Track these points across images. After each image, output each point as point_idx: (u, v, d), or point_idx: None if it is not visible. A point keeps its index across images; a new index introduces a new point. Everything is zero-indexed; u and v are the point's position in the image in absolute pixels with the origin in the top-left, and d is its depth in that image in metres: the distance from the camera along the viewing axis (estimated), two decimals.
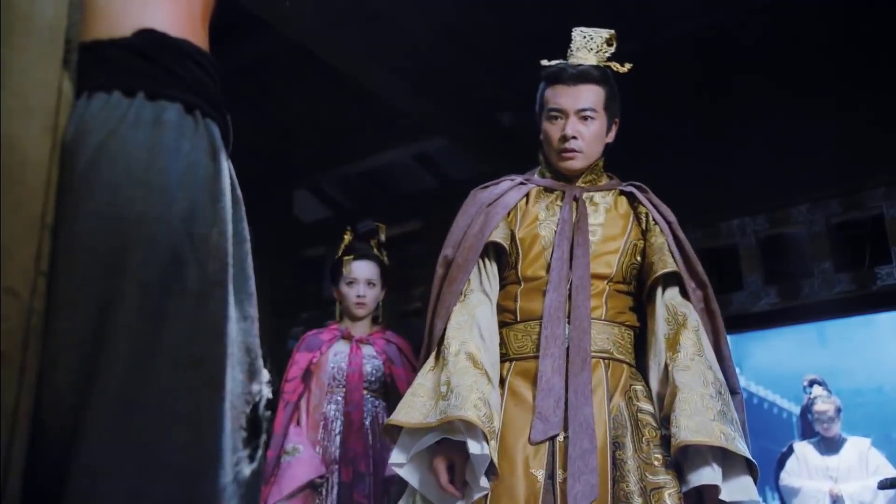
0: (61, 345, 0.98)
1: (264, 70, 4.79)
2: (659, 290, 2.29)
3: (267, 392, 1.16)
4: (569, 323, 2.14)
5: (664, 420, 2.04)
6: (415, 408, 2.01)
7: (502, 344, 2.23)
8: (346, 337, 2.99)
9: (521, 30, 4.48)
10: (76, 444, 0.95)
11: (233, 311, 1.08)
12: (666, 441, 2.00)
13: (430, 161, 5.60)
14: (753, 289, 4.00)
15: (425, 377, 2.12)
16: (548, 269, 2.24)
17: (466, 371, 2.01)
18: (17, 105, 0.91)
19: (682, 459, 2.00)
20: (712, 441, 1.91)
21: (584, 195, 2.42)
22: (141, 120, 1.02)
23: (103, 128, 0.99)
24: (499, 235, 2.36)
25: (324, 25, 3.75)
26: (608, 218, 2.39)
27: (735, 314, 4.15)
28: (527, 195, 2.45)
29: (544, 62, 2.48)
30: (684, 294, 2.28)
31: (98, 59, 1.05)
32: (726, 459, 1.97)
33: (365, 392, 2.86)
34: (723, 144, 4.29)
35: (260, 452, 1.12)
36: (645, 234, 2.38)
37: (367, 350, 2.96)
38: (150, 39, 1.10)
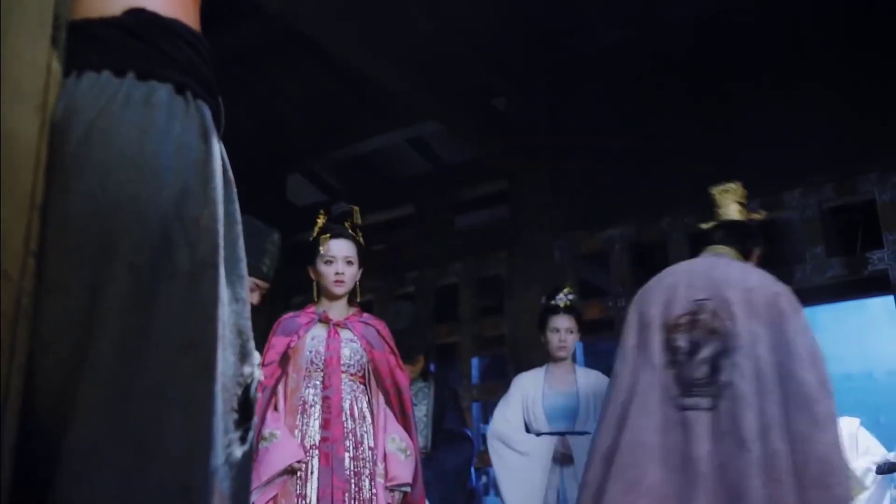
0: (51, 327, 0.98)
1: (258, 54, 4.76)
2: None
3: (259, 374, 1.16)
4: None
5: None
6: None
7: None
8: (324, 320, 2.95)
9: (516, 14, 4.47)
10: (67, 427, 0.95)
11: (224, 294, 1.08)
12: None
13: (423, 145, 5.59)
14: None
15: None
16: None
17: None
18: (4, 83, 0.90)
19: None
20: None
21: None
22: (131, 100, 1.01)
23: (93, 107, 0.98)
24: None
25: (318, 10, 3.73)
26: None
27: None
28: None
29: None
30: None
31: (87, 38, 1.04)
32: None
33: (343, 376, 2.84)
34: (716, 130, 4.28)
35: (251, 434, 1.12)
36: None
37: (346, 334, 2.93)
38: (140, 19, 1.09)
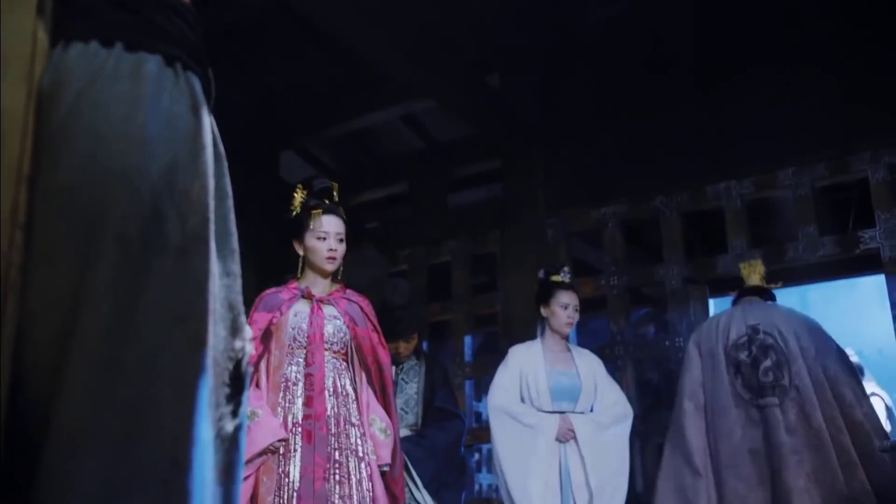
0: (41, 300, 0.97)
1: (251, 31, 4.72)
2: None
3: (250, 348, 1.16)
4: None
5: None
6: None
7: None
8: (307, 296, 2.90)
9: None
10: (57, 400, 0.94)
11: (215, 267, 1.07)
12: None
13: (417, 123, 5.57)
14: (738, 252, 4.01)
15: None
16: None
17: None
18: None
19: None
20: None
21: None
22: (119, 71, 1.00)
23: (81, 78, 0.97)
24: None
25: None
26: None
27: (719, 278, 4.18)
28: None
29: None
30: None
31: (74, 8, 1.02)
32: None
33: (326, 353, 2.80)
34: (710, 108, 4.27)
35: (242, 408, 1.12)
36: None
37: (329, 310, 2.88)
38: None
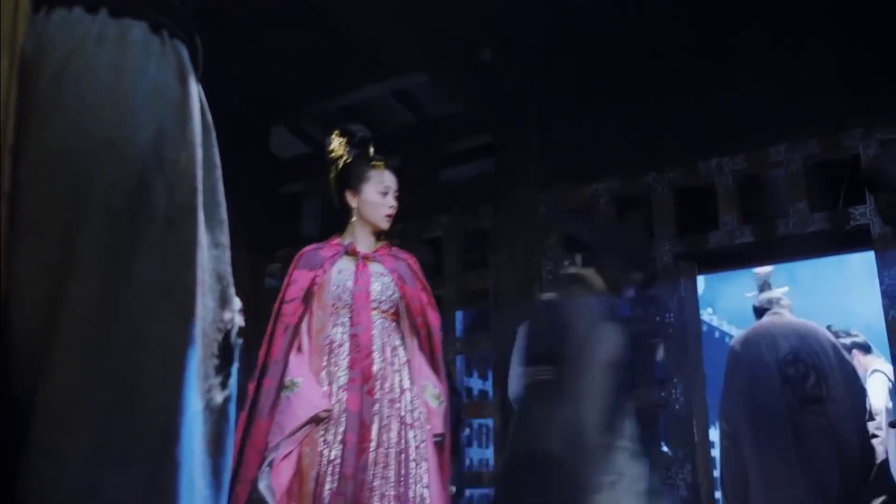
0: (27, 271, 0.96)
1: (242, 3, 4.66)
2: None
3: (239, 320, 1.15)
4: None
5: None
6: None
7: None
8: (351, 253, 2.68)
9: None
10: (45, 372, 0.94)
11: (203, 238, 1.06)
12: None
13: (409, 98, 5.53)
14: (729, 228, 4.01)
15: None
16: None
17: None
18: None
19: None
20: None
21: None
22: (104, 38, 0.98)
23: (65, 45, 0.95)
24: None
25: None
26: None
27: (710, 253, 4.18)
28: None
29: None
30: None
31: None
32: None
33: (374, 313, 2.59)
34: (703, 85, 4.25)
35: (232, 379, 1.12)
36: None
37: (375, 267, 2.67)
38: None
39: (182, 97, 1.04)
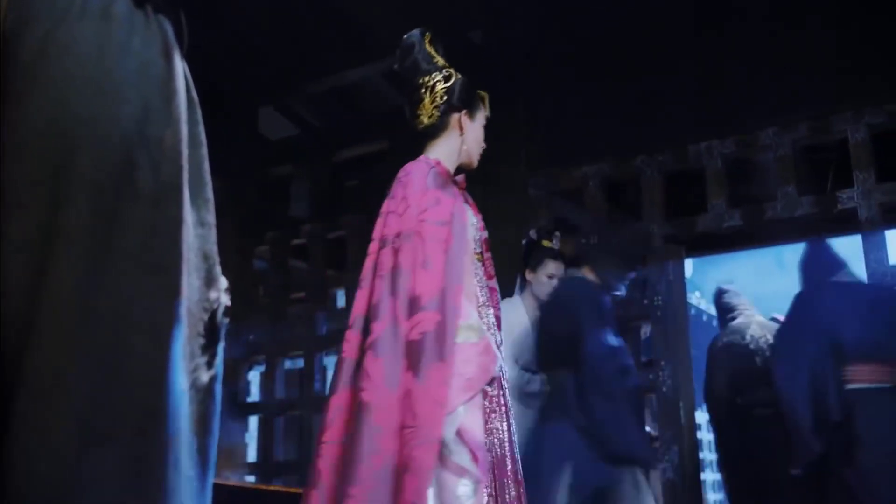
0: (10, 248, 0.95)
1: None
2: None
3: (226, 299, 1.15)
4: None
5: None
6: None
7: None
8: (460, 188, 2.31)
9: None
10: (30, 348, 0.93)
11: (189, 217, 1.05)
12: None
13: (398, 79, 5.49)
14: (718, 211, 4.02)
15: None
16: None
17: None
18: None
19: None
20: None
21: None
22: (88, 11, 0.96)
23: (47, 18, 0.94)
24: None
25: None
26: None
27: (698, 236, 4.19)
28: None
29: None
30: None
31: None
32: None
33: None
34: (693, 69, 4.25)
35: (217, 359, 1.11)
36: None
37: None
38: None
39: (167, 73, 1.02)
